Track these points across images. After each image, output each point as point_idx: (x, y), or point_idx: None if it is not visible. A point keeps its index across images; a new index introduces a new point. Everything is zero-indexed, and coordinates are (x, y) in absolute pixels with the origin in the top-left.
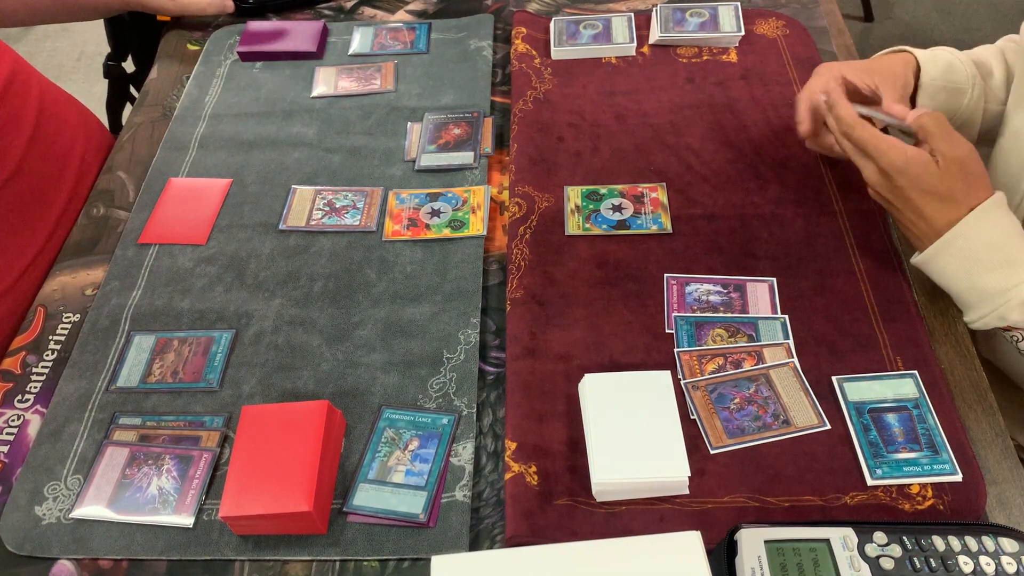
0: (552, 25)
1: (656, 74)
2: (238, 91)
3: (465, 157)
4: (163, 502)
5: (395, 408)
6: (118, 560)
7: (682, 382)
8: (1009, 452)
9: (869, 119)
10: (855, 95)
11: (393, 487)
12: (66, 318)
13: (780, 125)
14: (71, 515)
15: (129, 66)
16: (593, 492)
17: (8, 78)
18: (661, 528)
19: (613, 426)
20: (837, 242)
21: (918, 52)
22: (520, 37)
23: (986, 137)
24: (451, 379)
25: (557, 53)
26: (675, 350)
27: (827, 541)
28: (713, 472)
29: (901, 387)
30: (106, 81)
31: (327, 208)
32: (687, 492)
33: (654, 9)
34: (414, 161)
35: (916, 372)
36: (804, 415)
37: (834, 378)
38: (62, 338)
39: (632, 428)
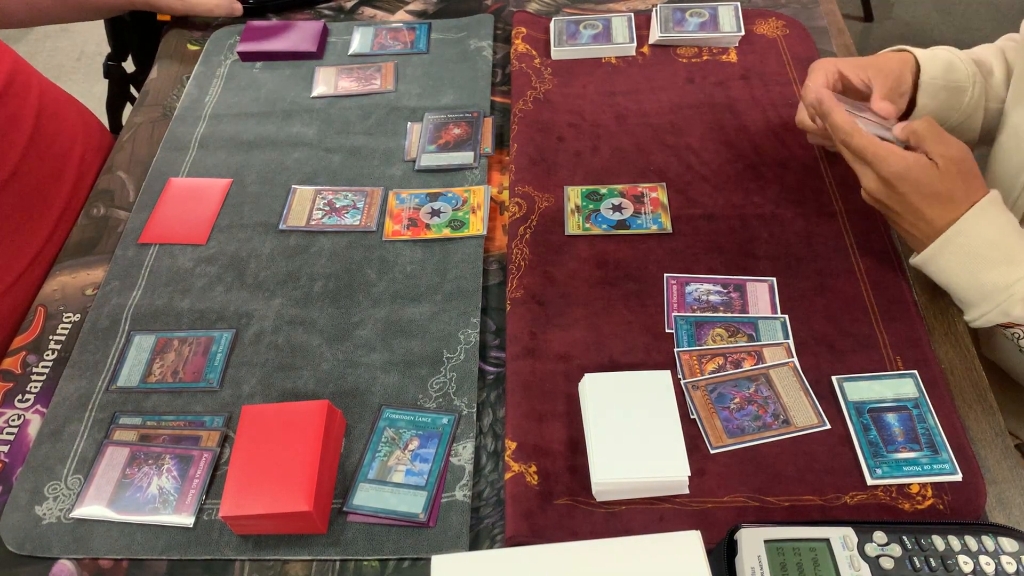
0: (552, 25)
1: (656, 74)
2: (238, 91)
3: (465, 157)
4: (163, 502)
5: (395, 408)
6: (118, 560)
7: (682, 382)
8: (1009, 452)
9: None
10: (851, 91)
11: (393, 487)
12: (66, 318)
13: (780, 125)
14: (71, 515)
15: (129, 66)
16: (593, 492)
17: (8, 78)
18: (661, 528)
19: (613, 426)
20: (837, 242)
21: (918, 51)
22: (520, 37)
23: (987, 136)
24: (451, 379)
25: (557, 53)
26: (675, 350)
27: (827, 541)
28: (713, 472)
29: (901, 387)
30: (106, 81)
31: (327, 208)
32: (687, 492)
33: (654, 9)
34: (414, 161)
35: (916, 372)
36: (804, 415)
37: (834, 378)
38: (62, 338)
39: (632, 428)
